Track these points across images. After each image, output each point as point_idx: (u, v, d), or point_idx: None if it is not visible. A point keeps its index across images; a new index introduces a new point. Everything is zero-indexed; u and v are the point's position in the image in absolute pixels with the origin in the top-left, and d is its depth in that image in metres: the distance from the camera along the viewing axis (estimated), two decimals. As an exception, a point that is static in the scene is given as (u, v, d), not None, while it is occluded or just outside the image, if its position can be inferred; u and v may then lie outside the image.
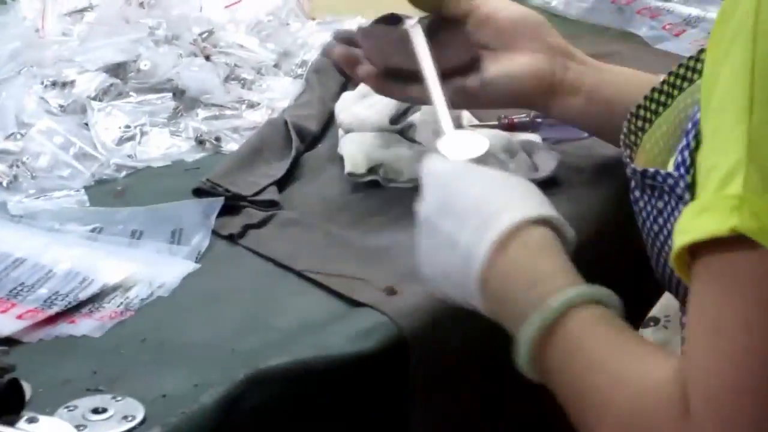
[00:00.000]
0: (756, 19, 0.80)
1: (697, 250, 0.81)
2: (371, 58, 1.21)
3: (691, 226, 0.81)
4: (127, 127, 1.34)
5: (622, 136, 1.06)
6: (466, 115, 1.31)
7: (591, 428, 0.90)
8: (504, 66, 1.20)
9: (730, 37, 0.82)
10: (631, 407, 0.86)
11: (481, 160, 1.08)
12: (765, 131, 0.80)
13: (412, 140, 1.27)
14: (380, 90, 1.26)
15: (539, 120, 1.31)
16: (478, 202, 0.99)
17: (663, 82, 1.08)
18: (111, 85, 1.41)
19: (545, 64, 1.21)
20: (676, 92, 1.07)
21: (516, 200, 0.99)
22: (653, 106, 1.09)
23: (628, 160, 1.02)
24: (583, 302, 0.91)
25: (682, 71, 1.05)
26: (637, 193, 0.99)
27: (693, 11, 1.62)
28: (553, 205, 1.00)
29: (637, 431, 0.87)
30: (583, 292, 0.91)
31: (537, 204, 0.99)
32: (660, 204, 0.94)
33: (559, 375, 0.92)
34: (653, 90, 1.08)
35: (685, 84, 1.06)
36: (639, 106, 1.08)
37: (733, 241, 0.79)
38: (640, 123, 1.08)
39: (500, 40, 1.22)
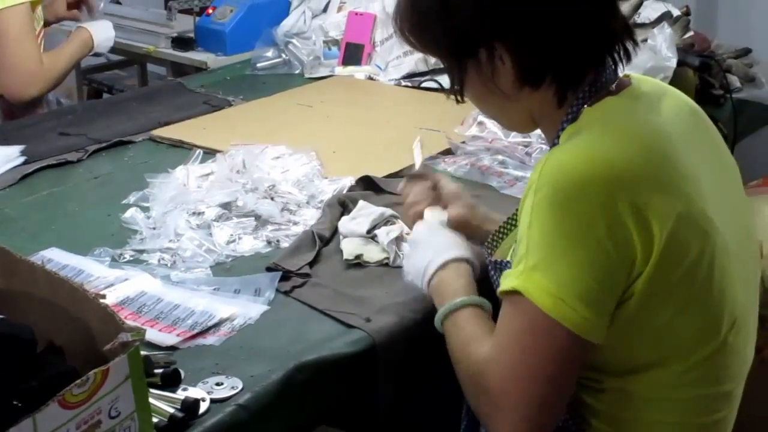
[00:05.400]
0: (538, 181, 1.08)
1: (502, 293, 1.11)
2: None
3: (502, 282, 1.12)
4: (231, 236, 1.62)
5: (486, 243, 1.37)
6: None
7: (455, 367, 1.19)
8: (452, 212, 1.46)
9: (527, 189, 1.10)
10: (469, 365, 1.17)
11: (441, 224, 1.39)
12: (534, 242, 1.08)
13: (377, 242, 1.59)
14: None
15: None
16: (432, 245, 1.33)
17: (509, 217, 1.36)
18: (222, 213, 1.68)
19: (469, 212, 1.47)
20: (513, 226, 1.31)
21: (451, 247, 1.32)
22: (505, 227, 1.38)
23: (488, 255, 1.33)
24: (470, 304, 1.23)
25: (518, 210, 1.20)
26: (491, 272, 1.28)
27: (519, 173, 1.92)
28: (470, 251, 1.32)
29: (471, 378, 1.17)
30: (471, 299, 1.24)
31: (462, 250, 1.31)
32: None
33: (449, 336, 1.24)
34: (504, 223, 1.36)
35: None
36: (496, 231, 1.37)
37: (514, 293, 1.09)
38: (496, 238, 1.38)
39: (448, 200, 1.48)
